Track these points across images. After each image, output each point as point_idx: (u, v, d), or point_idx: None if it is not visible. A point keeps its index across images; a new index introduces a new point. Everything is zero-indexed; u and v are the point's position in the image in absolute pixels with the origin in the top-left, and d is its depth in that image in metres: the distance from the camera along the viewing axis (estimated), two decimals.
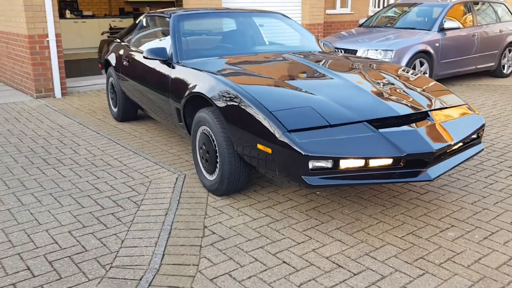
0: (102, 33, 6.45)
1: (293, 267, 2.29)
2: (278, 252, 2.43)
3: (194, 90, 3.16)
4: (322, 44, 4.44)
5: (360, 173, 2.50)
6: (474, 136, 2.99)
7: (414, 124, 2.72)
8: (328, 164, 2.46)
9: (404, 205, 2.99)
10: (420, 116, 2.84)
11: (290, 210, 2.92)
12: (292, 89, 2.93)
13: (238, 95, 2.81)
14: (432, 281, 2.17)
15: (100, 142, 4.34)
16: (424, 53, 6.48)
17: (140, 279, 2.17)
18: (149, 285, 2.13)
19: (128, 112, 4.89)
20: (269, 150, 2.57)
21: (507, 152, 4.05)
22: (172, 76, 3.55)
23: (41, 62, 6.14)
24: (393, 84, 3.21)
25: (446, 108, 3.03)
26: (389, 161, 2.51)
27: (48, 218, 2.81)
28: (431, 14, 7.10)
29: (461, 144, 2.85)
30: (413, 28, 6.97)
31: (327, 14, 10.21)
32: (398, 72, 3.54)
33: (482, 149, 3.05)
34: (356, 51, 6.43)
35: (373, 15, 7.99)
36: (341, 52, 6.38)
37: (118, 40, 5.03)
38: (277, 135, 2.51)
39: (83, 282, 2.16)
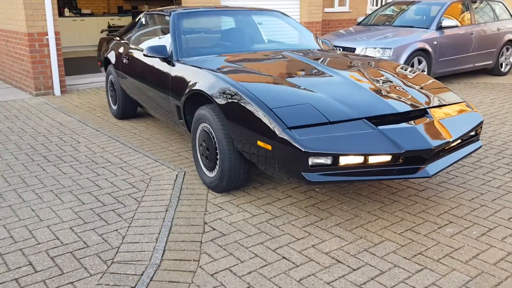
0: (102, 31, 6.45)
1: (292, 262, 2.31)
2: (278, 248, 2.45)
3: (194, 88, 3.18)
4: (321, 42, 4.46)
5: (359, 170, 2.52)
6: (472, 133, 3.02)
7: (413, 121, 2.75)
8: (327, 160, 2.48)
9: (402, 201, 3.02)
10: (418, 113, 2.86)
11: (289, 207, 2.94)
12: (292, 86, 2.95)
13: (238, 92, 2.83)
14: (431, 276, 2.19)
15: (100, 139, 4.35)
16: (422, 51, 6.51)
17: (142, 274, 2.19)
18: (151, 280, 2.15)
19: (128, 109, 4.90)
20: (269, 147, 2.59)
21: (505, 149, 4.08)
22: (172, 73, 3.57)
23: (41, 60, 6.15)
24: (391, 81, 3.23)
25: (445, 105, 3.05)
26: (388, 158, 2.53)
27: (49, 214, 2.83)
28: (429, 13, 7.12)
29: (459, 141, 2.87)
30: (411, 26, 6.99)
31: (325, 12, 10.22)
32: (397, 70, 3.56)
33: (480, 146, 3.07)
34: (354, 49, 6.45)
35: (371, 13, 8.01)
36: (340, 50, 6.40)
37: (118, 38, 5.04)
38: (277, 132, 2.53)
39: (85, 277, 2.17)
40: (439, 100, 3.07)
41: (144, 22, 4.67)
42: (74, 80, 6.92)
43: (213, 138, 3.05)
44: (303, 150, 2.42)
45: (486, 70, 8.11)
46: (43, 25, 6.04)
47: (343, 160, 2.48)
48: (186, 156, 3.90)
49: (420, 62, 6.57)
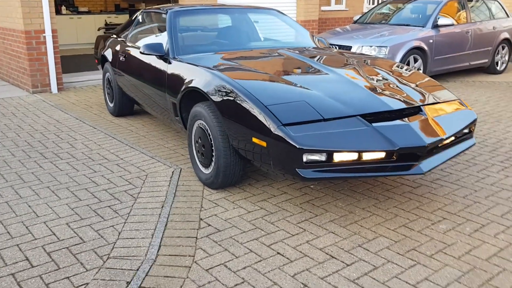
0: (99, 29, 6.46)
1: (287, 258, 2.33)
2: (273, 243, 2.47)
3: (190, 85, 3.19)
4: (317, 40, 4.48)
5: (354, 167, 2.54)
6: (466, 130, 3.04)
7: (407, 118, 2.77)
8: (322, 157, 2.50)
9: (397, 198, 3.04)
10: (413, 110, 2.88)
11: (284, 203, 2.96)
12: (287, 84, 2.97)
13: (233, 89, 2.85)
14: (424, 271, 2.22)
15: (96, 136, 4.36)
16: (418, 50, 6.53)
17: (137, 269, 2.21)
18: (146, 275, 2.17)
19: (125, 107, 4.91)
20: (264, 144, 2.61)
21: (499, 147, 4.11)
22: (169, 71, 3.58)
23: (38, 58, 6.15)
24: (386, 79, 3.26)
25: (439, 103, 3.08)
26: (382, 155, 2.55)
27: (46, 210, 2.84)
28: (425, 11, 7.15)
29: (453, 138, 2.90)
30: (407, 25, 7.02)
31: (322, 10, 10.24)
32: (392, 68, 3.59)
33: (474, 144, 3.10)
34: (350, 47, 6.48)
35: (367, 12, 8.03)
36: (336, 48, 6.42)
37: (115, 36, 5.05)
38: (272, 129, 2.55)
39: (81, 272, 2.19)
40: (433, 98, 3.10)
41: (141, 20, 4.68)
42: (71, 78, 6.92)
43: (209, 135, 3.07)
44: (297, 146, 2.44)
45: (482, 69, 8.15)
46: (40, 22, 6.04)
47: (337, 157, 2.50)
48: (182, 153, 3.91)
49: (416, 61, 6.60)
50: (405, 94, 3.01)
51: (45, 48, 6.14)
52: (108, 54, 4.91)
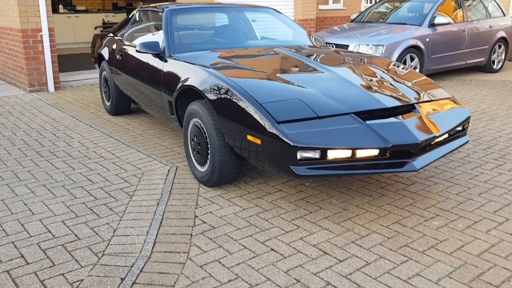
0: (96, 28, 6.46)
1: (281, 254, 2.35)
2: (267, 240, 2.49)
3: (186, 83, 3.21)
4: (313, 39, 4.49)
5: (347, 164, 2.56)
6: (460, 128, 3.06)
7: (400, 116, 2.79)
8: (316, 154, 2.52)
9: (391, 195, 3.06)
10: (406, 108, 2.90)
11: (279, 201, 2.98)
12: (282, 82, 2.98)
13: (228, 87, 2.86)
14: (415, 267, 2.24)
15: (93, 135, 4.38)
16: (414, 48, 6.55)
17: (132, 266, 2.23)
18: (140, 272, 2.19)
19: (121, 105, 4.93)
20: (258, 141, 2.63)
21: (493, 145, 4.14)
22: (165, 69, 3.59)
23: (34, 56, 6.15)
24: (381, 77, 3.28)
25: (433, 101, 3.10)
26: (375, 152, 2.57)
27: (41, 208, 2.86)
28: (422, 10, 7.17)
29: (446, 136, 2.92)
30: (404, 24, 7.04)
31: (320, 9, 10.25)
32: (387, 66, 3.60)
33: (467, 141, 3.12)
34: (347, 46, 6.50)
35: (365, 11, 8.05)
36: (333, 47, 6.43)
37: (111, 35, 5.06)
38: (266, 127, 2.57)
39: (76, 269, 2.21)
40: (427, 96, 3.12)
41: (137, 19, 4.69)
42: (68, 77, 6.93)
43: (204, 133, 3.08)
44: (291, 144, 2.46)
45: (478, 67, 8.18)
46: (37, 21, 6.04)
47: (331, 154, 2.52)
48: (178, 151, 3.93)
49: (412, 59, 6.62)
50: (399, 92, 3.03)
51: (42, 46, 6.14)
52: (105, 52, 4.92)
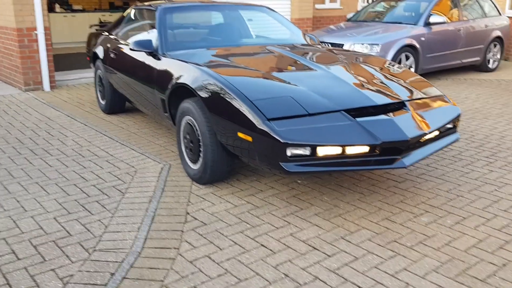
0: (90, 26, 6.45)
1: (270, 250, 2.37)
2: (257, 236, 2.51)
3: (178, 81, 3.23)
4: (306, 37, 4.51)
5: (337, 160, 2.58)
6: (450, 125, 3.09)
7: (390, 113, 2.81)
8: (306, 151, 2.54)
9: (382, 192, 3.09)
10: (397, 106, 2.92)
11: (271, 198, 3.00)
12: (274, 80, 3.00)
13: (220, 85, 2.88)
14: (403, 262, 2.26)
15: (87, 133, 4.39)
16: (409, 47, 6.58)
17: (122, 262, 2.25)
18: (131, 267, 2.21)
19: (116, 104, 4.94)
20: (249, 138, 2.65)
21: (486, 143, 4.16)
22: (158, 67, 3.61)
23: (30, 55, 6.16)
24: (373, 75, 3.30)
25: (423, 98, 3.12)
26: (365, 149, 2.59)
27: (34, 205, 2.87)
28: (418, 9, 7.19)
29: (436, 133, 2.95)
30: (399, 23, 7.06)
31: (316, 9, 10.28)
32: (379, 65, 3.63)
33: (458, 139, 3.15)
34: (342, 45, 6.52)
35: (361, 10, 8.07)
36: (328, 45, 6.46)
37: (106, 33, 5.07)
38: (257, 124, 2.59)
39: (66, 265, 2.23)
40: (418, 94, 3.14)
41: (132, 17, 4.70)
42: (64, 76, 6.94)
43: (197, 131, 3.10)
44: (281, 141, 2.48)
45: (474, 67, 8.21)
46: (32, 20, 6.05)
47: (321, 151, 2.54)
48: (172, 149, 3.95)
49: (407, 58, 6.64)
50: (390, 90, 3.05)
51: (37, 45, 6.15)
52: (99, 51, 4.93)
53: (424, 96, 3.15)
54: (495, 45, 7.98)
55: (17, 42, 6.05)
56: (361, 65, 3.52)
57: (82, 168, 3.51)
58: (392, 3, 7.72)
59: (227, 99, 2.80)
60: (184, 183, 3.22)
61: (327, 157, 2.56)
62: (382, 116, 2.75)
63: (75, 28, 11.10)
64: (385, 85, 3.12)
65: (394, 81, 3.25)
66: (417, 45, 6.63)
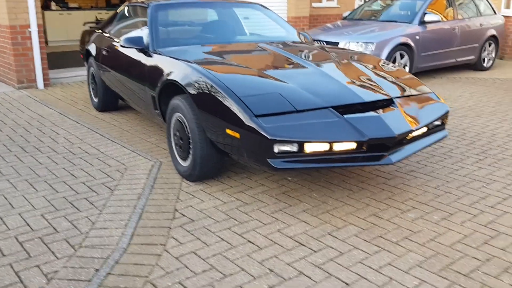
0: (84, 24, 6.46)
1: (257, 245, 2.38)
2: (244, 232, 2.52)
3: (168, 78, 3.23)
4: (299, 35, 4.52)
5: (325, 157, 2.59)
6: (438, 122, 3.10)
7: (378, 110, 2.82)
8: (293, 148, 2.55)
9: (370, 189, 3.09)
10: (385, 103, 2.93)
11: (260, 195, 3.01)
12: (264, 77, 3.01)
13: (209, 82, 2.88)
14: (387, 257, 2.27)
15: (79, 131, 4.39)
16: (404, 46, 6.59)
17: (107, 258, 2.25)
18: (116, 263, 2.21)
19: (109, 102, 4.94)
20: (237, 135, 2.65)
21: (476, 140, 4.17)
22: (148, 64, 3.61)
23: (23, 53, 6.15)
24: (363, 73, 3.30)
25: (412, 96, 3.13)
26: (352, 145, 2.60)
27: (22, 202, 2.87)
28: (414, 7, 7.20)
29: (424, 130, 2.95)
30: (395, 21, 7.07)
31: (313, 7, 10.27)
32: (371, 63, 3.63)
33: (446, 136, 3.15)
34: (337, 43, 6.52)
35: (357, 8, 8.08)
36: (323, 44, 6.46)
37: (99, 31, 5.07)
38: (244, 120, 2.60)
39: (52, 261, 2.23)
40: (406, 91, 3.15)
41: (125, 14, 4.70)
42: (58, 74, 6.93)
43: (186, 128, 3.10)
44: (269, 137, 2.48)
45: (468, 65, 8.22)
46: (26, 17, 6.04)
47: (309, 148, 2.55)
48: (164, 147, 3.95)
49: (402, 57, 6.65)
50: (379, 87, 3.06)
51: (30, 43, 6.15)
52: (92, 48, 4.93)
53: (413, 93, 3.16)
54: (490, 44, 7.99)
55: (10, 39, 6.05)
56: (352, 63, 3.52)
57: (72, 166, 3.51)
58: (388, 2, 7.73)
59: (215, 95, 2.80)
60: (174, 180, 3.23)
61: (315, 153, 2.57)
62: (370, 113, 2.76)
63: (71, 26, 11.08)
64: (374, 83, 3.13)
65: (384, 79, 3.25)
66: (412, 44, 6.64)
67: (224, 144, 2.80)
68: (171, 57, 3.41)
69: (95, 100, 5.09)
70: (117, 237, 2.45)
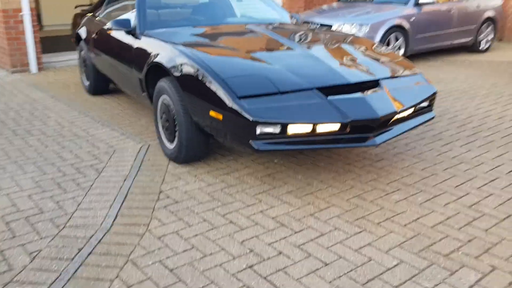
0: (76, 7, 6.41)
1: (238, 226, 2.40)
2: (227, 213, 2.54)
3: (154, 60, 3.22)
4: (290, 17, 4.48)
5: (308, 139, 2.59)
6: (425, 104, 3.09)
7: (363, 91, 2.81)
8: (276, 129, 2.55)
9: (356, 171, 3.10)
10: (371, 84, 2.92)
11: (246, 177, 3.02)
12: (249, 59, 2.99)
13: (192, 63, 2.87)
14: (368, 237, 2.29)
15: (70, 114, 4.39)
16: (399, 28, 6.52)
17: (91, 237, 2.28)
18: (98, 243, 2.23)
19: (100, 85, 4.93)
20: (220, 117, 2.65)
21: (468, 123, 4.16)
22: (135, 46, 3.59)
23: (16, 37, 6.11)
24: (351, 55, 3.28)
25: (399, 77, 3.11)
26: (335, 127, 2.60)
27: (10, 183, 2.89)
28: None
29: (410, 111, 2.95)
30: (390, 3, 6.99)
31: None
32: (360, 44, 3.60)
33: (433, 117, 3.15)
34: (331, 26, 6.46)
35: None
36: (317, 26, 6.40)
37: (90, 14, 5.03)
38: (227, 102, 2.59)
39: (35, 240, 2.26)
40: (393, 72, 3.13)
41: None
42: (52, 58, 6.90)
43: (172, 110, 3.10)
44: (251, 119, 2.48)
45: (465, 48, 8.14)
46: (18, 1, 5.99)
47: (292, 129, 2.55)
48: (153, 130, 3.95)
49: (397, 39, 6.59)
50: (365, 69, 3.04)
51: (23, 27, 6.10)
52: (83, 32, 4.90)
53: (400, 74, 3.14)
54: (487, 26, 7.90)
55: (3, 23, 6.00)
56: (341, 44, 3.49)
57: (61, 148, 3.52)
58: None
59: (199, 77, 2.79)
60: (161, 163, 3.24)
61: (297, 135, 2.57)
62: (354, 95, 2.75)
63: (67, 10, 10.98)
64: (361, 64, 3.11)
65: (371, 60, 3.23)
66: (407, 26, 6.57)
67: (208, 126, 2.80)
68: (157, 39, 3.39)
69: (87, 83, 5.08)
70: (101, 218, 2.47)
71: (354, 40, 3.69)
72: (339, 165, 3.19)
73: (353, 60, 3.17)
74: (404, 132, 2.86)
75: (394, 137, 2.77)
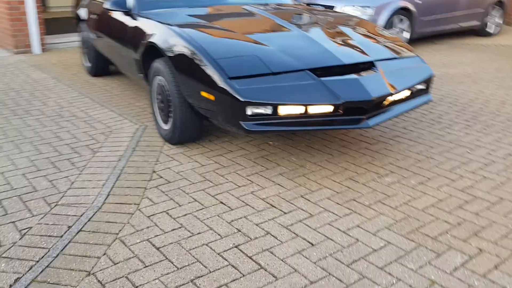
0: None
1: (228, 206, 2.41)
2: (218, 194, 2.55)
3: (149, 40, 3.20)
4: None
5: (300, 120, 2.57)
6: (421, 86, 3.04)
7: (357, 73, 2.77)
8: (267, 110, 2.53)
9: (351, 153, 3.09)
10: (365, 65, 2.88)
11: (239, 158, 3.02)
12: (244, 40, 2.96)
13: (186, 43, 2.85)
14: (357, 219, 2.29)
15: (70, 95, 4.41)
16: (404, 10, 6.41)
17: (81, 216, 2.30)
18: (88, 220, 2.26)
19: (100, 66, 4.93)
20: (212, 97, 2.64)
21: (468, 107, 4.11)
22: (132, 27, 3.57)
23: (19, 18, 6.11)
24: (348, 36, 3.23)
25: (395, 59, 3.06)
26: (328, 108, 2.58)
27: (5, 162, 2.93)
28: None
29: (406, 93, 2.91)
30: None
31: None
32: (358, 26, 3.55)
33: (430, 100, 3.11)
34: (333, 7, 6.36)
35: None
36: (320, 7, 6.30)
37: None
38: (218, 82, 2.58)
39: (27, 218, 2.29)
40: (390, 54, 3.08)
41: None
42: (55, 39, 6.90)
43: (167, 91, 3.09)
44: (241, 99, 2.47)
45: (473, 31, 7.99)
46: None
47: (283, 110, 2.53)
48: (151, 111, 3.95)
49: (402, 22, 6.48)
50: (360, 50, 3.00)
51: (26, 8, 6.09)
52: (83, 13, 4.88)
53: (396, 56, 3.10)
54: (496, 10, 7.73)
55: (6, 3, 6.00)
56: (338, 25, 3.44)
57: (59, 128, 3.54)
58: None
59: (192, 57, 2.77)
60: (157, 143, 3.25)
61: (289, 116, 2.55)
62: (348, 76, 2.72)
63: None
64: (357, 46, 3.07)
65: (368, 42, 3.18)
66: (412, 8, 6.45)
67: (201, 107, 2.79)
68: (153, 19, 3.36)
69: (88, 65, 5.08)
70: (93, 196, 2.50)
71: (354, 22, 3.63)
72: (334, 147, 3.18)
73: (350, 41, 3.12)
74: (399, 114, 2.83)
75: (389, 119, 2.75)
